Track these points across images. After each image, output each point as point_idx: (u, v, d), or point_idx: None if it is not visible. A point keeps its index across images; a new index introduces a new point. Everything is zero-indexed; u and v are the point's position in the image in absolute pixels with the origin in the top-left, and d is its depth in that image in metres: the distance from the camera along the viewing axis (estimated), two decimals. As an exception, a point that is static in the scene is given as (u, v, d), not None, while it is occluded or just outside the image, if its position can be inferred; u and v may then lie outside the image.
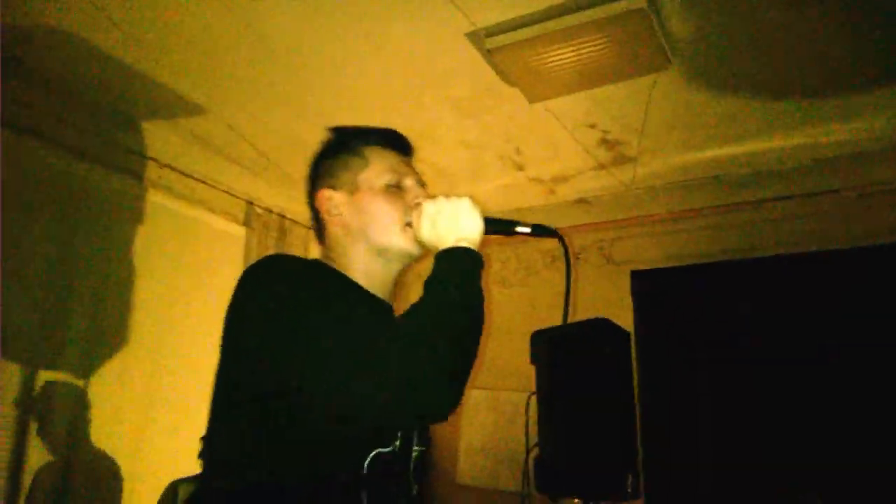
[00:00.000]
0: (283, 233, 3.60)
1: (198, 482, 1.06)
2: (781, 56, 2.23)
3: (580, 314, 2.17)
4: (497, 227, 1.17)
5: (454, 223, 1.08)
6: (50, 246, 2.57)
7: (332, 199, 1.18)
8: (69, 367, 2.61)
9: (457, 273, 1.04)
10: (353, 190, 1.18)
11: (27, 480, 2.43)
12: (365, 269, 1.16)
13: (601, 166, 3.10)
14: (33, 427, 2.47)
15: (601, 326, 2.21)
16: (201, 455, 1.04)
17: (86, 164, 2.69)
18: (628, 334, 2.28)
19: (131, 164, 2.85)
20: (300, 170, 1.27)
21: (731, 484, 2.89)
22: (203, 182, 3.12)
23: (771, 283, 3.03)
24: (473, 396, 3.51)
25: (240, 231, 3.39)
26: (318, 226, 1.22)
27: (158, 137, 2.93)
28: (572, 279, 1.24)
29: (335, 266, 1.15)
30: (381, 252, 1.17)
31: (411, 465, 1.09)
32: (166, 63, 2.39)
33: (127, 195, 2.88)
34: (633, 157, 2.99)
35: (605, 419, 2.05)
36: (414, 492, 1.10)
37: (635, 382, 2.26)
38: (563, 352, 2.16)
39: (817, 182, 3.00)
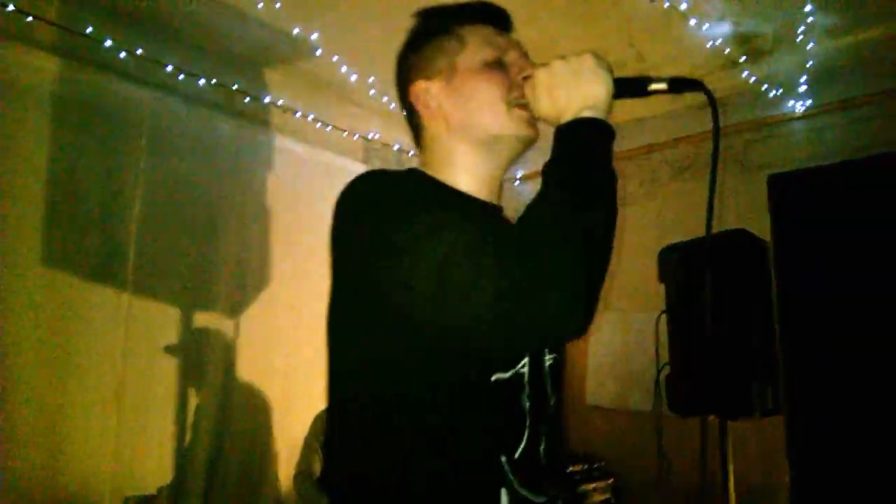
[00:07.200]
0: (400, 166, 3.66)
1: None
2: None
3: (714, 226, 2.04)
4: (628, 88, 0.94)
5: (576, 88, 0.87)
6: (197, 198, 2.78)
7: (429, 90, 1.00)
8: (220, 308, 2.85)
9: (584, 152, 0.84)
10: (451, 76, 1.00)
11: (191, 411, 2.71)
12: (470, 168, 1.00)
13: (732, 63, 2.84)
14: (193, 363, 2.72)
15: (737, 238, 2.09)
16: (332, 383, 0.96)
17: (217, 115, 2.85)
18: (766, 246, 2.14)
19: (258, 112, 2.98)
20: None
21: (878, 404, 2.68)
22: (323, 122, 3.21)
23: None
24: (599, 318, 3.46)
25: (360, 168, 3.49)
26: (416, 126, 1.06)
27: (279, 84, 3.04)
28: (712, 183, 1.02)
29: (435, 174, 1.00)
30: (490, 143, 0.99)
31: (546, 376, 0.97)
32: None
33: (257, 142, 3.03)
34: (768, 49, 2.71)
35: (742, 336, 1.97)
36: (552, 402, 0.98)
37: (774, 297, 2.13)
38: (696, 267, 2.06)
39: None
